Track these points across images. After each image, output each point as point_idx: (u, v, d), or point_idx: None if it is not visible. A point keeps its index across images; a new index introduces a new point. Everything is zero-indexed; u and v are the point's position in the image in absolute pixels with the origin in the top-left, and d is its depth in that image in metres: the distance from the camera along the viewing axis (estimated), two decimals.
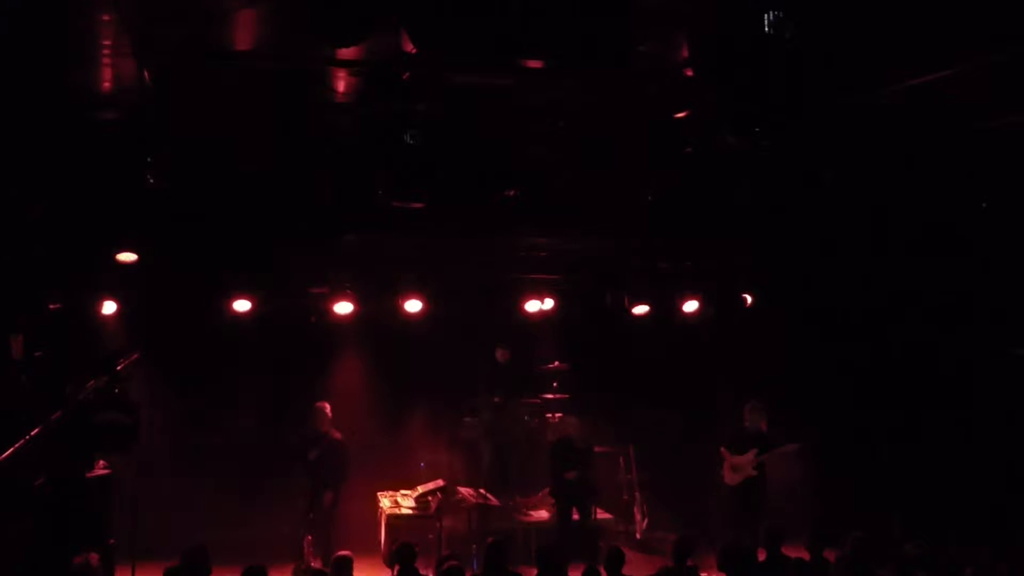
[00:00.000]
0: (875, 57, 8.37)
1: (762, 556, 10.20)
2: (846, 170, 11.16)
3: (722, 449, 13.23)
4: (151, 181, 10.57)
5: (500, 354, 15.75)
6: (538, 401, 15.74)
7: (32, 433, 10.07)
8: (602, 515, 14.49)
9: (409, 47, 7.57)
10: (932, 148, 10.63)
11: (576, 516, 13.57)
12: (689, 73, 8.78)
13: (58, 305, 12.11)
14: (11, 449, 9.81)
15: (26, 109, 9.17)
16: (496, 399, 15.46)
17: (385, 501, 13.54)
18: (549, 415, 15.65)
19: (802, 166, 11.03)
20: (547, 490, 15.22)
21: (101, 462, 11.37)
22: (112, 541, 11.00)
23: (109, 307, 13.13)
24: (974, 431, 13.04)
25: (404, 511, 13.26)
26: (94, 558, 8.44)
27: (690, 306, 15.26)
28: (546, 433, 14.80)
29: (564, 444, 13.76)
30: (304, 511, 12.91)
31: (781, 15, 6.94)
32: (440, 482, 13.48)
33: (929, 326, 13.54)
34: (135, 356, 11.91)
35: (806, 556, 9.98)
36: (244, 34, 8.18)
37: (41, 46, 8.01)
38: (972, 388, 13.18)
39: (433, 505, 13.17)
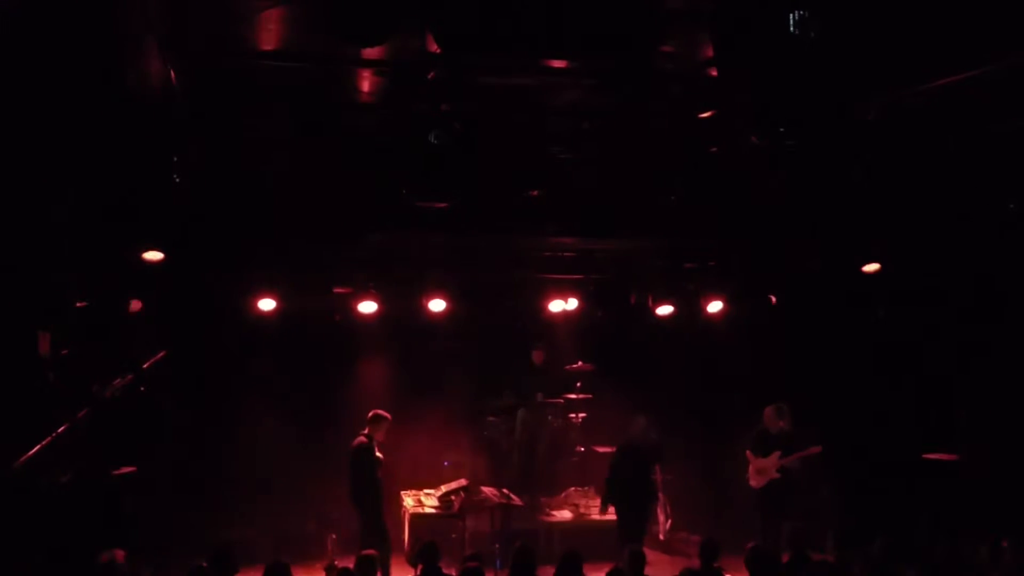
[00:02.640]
0: (900, 57, 8.32)
1: (786, 558, 10.17)
2: (874, 168, 11.11)
3: (747, 452, 13.18)
4: (177, 180, 10.63)
5: (536, 355, 15.73)
6: (561, 401, 15.73)
7: (59, 431, 10.14)
8: None
9: (433, 47, 7.58)
10: (957, 148, 10.58)
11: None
12: (714, 73, 8.76)
13: (85, 303, 12.17)
14: (38, 447, 9.87)
15: (52, 108, 9.22)
16: (519, 400, 15.41)
17: (408, 500, 13.57)
18: (572, 415, 15.65)
19: (828, 165, 10.97)
20: (572, 489, 15.24)
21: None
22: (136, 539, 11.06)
23: (136, 305, 13.17)
24: (1008, 430, 12.92)
25: (427, 510, 13.27)
26: (120, 555, 8.48)
27: (714, 306, 15.22)
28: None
29: (623, 447, 13.31)
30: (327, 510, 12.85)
31: (806, 14, 6.92)
32: (463, 481, 13.49)
33: (958, 325, 13.44)
34: (161, 354, 11.97)
35: (830, 558, 9.94)
36: (270, 34, 8.21)
37: (68, 45, 8.06)
38: (998, 387, 13.06)
39: (456, 504, 13.17)
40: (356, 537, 12.21)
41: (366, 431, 12.38)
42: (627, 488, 13.01)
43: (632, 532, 12.69)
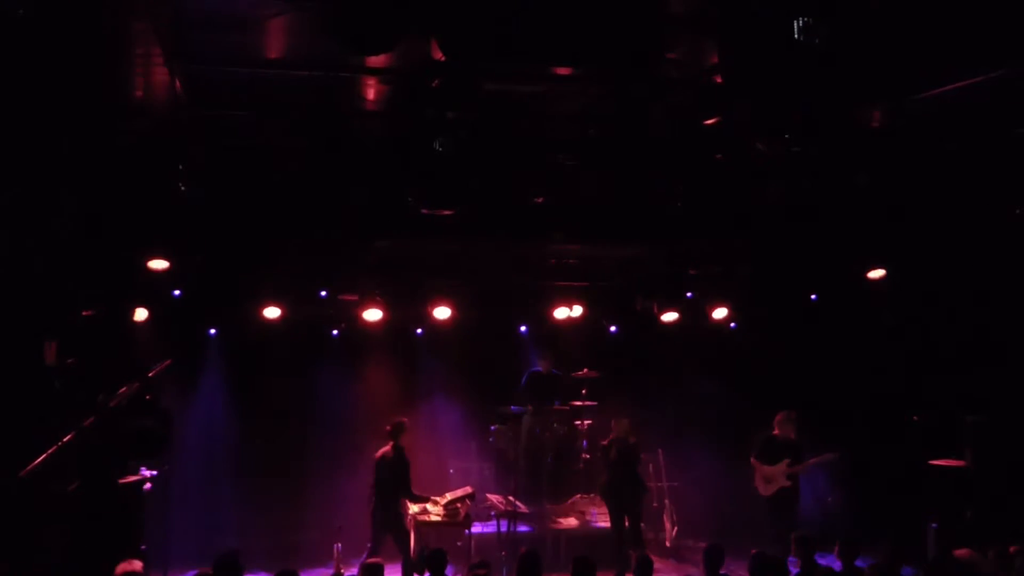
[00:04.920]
0: (905, 63, 8.32)
1: (796, 566, 10.13)
2: (878, 174, 11.11)
3: (752, 460, 13.14)
4: (182, 188, 10.65)
5: (544, 364, 15.74)
6: (567, 408, 15.72)
7: (65, 439, 10.14)
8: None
9: (438, 55, 7.59)
10: (962, 153, 10.57)
11: (627, 523, 13.12)
12: (719, 80, 8.77)
13: (91, 312, 12.19)
14: (44, 455, 9.88)
15: (59, 117, 9.24)
16: (527, 407, 15.38)
17: (414, 508, 13.54)
18: (578, 422, 15.64)
19: (833, 171, 10.97)
20: (578, 496, 15.21)
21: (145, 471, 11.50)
22: (143, 547, 11.06)
23: (141, 314, 13.21)
24: (1015, 436, 12.89)
25: (433, 518, 13.25)
26: (138, 565, 8.44)
27: (719, 313, 15.22)
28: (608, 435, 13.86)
29: (612, 447, 13.27)
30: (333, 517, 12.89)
31: (811, 21, 6.92)
32: (468, 489, 13.46)
33: (965, 329, 13.42)
34: (166, 363, 11.98)
35: (837, 565, 9.91)
36: (275, 42, 8.22)
37: (73, 55, 8.08)
38: (1009, 391, 13.04)
39: (462, 512, 13.15)
40: (364, 545, 12.23)
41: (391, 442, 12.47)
42: (614, 489, 13.04)
43: (623, 533, 12.74)
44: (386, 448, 12.49)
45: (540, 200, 11.69)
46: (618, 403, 15.01)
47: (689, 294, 15.28)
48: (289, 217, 11.92)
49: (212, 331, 14.61)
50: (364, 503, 12.47)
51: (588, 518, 14.65)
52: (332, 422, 14.74)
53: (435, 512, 13.26)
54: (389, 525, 12.30)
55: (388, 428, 12.59)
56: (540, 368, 15.78)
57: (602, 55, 7.98)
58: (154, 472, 11.65)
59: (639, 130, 10.37)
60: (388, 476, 12.35)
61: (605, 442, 13.39)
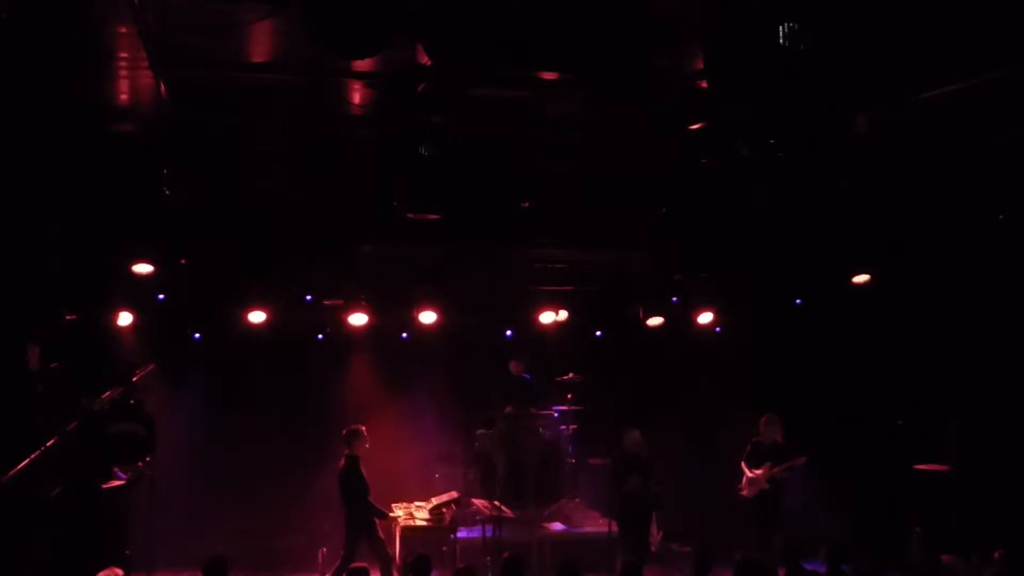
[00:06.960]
0: (892, 69, 8.35)
1: (782, 572, 10.14)
2: (863, 179, 11.13)
3: (742, 463, 13.17)
4: (167, 193, 10.62)
5: (514, 366, 15.70)
6: (552, 413, 15.69)
7: (48, 444, 10.11)
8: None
9: (424, 59, 7.58)
10: (949, 160, 10.61)
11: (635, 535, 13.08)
12: (704, 85, 8.78)
13: (74, 316, 12.15)
14: (27, 460, 9.85)
15: (43, 121, 9.21)
16: (508, 410, 15.34)
17: (399, 512, 13.52)
18: (563, 427, 15.61)
19: (818, 177, 10.99)
20: (564, 500, 15.19)
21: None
22: (127, 552, 11.02)
23: (125, 318, 13.16)
24: (999, 441, 12.94)
25: (419, 523, 13.23)
26: (118, 573, 8.41)
27: (704, 318, 15.23)
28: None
29: (622, 458, 13.22)
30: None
31: (796, 27, 6.93)
32: (454, 494, 13.46)
33: (950, 335, 13.47)
34: (150, 367, 11.95)
35: (823, 570, 9.93)
36: (260, 46, 8.21)
37: (58, 59, 8.05)
38: (994, 396, 13.09)
39: (447, 517, 13.14)
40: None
41: (346, 451, 12.38)
42: (631, 501, 12.99)
43: (637, 545, 12.70)
44: (342, 459, 12.42)
45: (526, 205, 11.69)
46: (603, 408, 15.04)
47: (674, 299, 15.29)
48: (274, 221, 11.90)
49: (196, 335, 14.56)
50: None
51: (573, 523, 14.63)
52: (317, 427, 14.68)
53: (421, 517, 13.26)
54: (360, 534, 12.20)
55: (344, 432, 12.47)
56: (510, 371, 15.72)
57: (589, 60, 7.99)
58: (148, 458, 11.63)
59: (625, 135, 10.39)
60: (343, 488, 12.26)
61: (612, 460, 13.37)
